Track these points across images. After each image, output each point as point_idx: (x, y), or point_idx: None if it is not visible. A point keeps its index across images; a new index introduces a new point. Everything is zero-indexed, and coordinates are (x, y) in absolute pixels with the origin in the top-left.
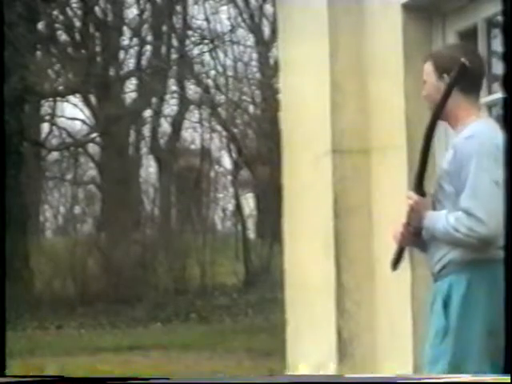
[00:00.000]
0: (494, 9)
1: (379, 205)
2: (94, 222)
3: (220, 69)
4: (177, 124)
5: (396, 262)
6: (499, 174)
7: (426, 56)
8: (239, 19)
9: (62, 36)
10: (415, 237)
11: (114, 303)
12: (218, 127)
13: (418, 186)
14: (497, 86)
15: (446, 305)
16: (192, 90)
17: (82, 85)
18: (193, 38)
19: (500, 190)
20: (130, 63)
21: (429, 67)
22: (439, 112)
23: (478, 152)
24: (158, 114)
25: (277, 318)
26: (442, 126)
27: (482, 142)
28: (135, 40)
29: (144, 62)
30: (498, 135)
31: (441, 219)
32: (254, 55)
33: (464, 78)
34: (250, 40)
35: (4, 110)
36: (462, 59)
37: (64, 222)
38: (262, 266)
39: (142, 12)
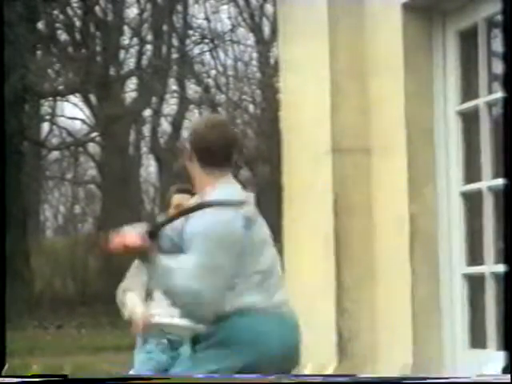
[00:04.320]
0: (494, 8)
1: (379, 204)
2: (94, 222)
3: (220, 68)
4: (177, 123)
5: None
6: (220, 255)
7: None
8: (239, 19)
9: (62, 35)
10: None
11: (114, 303)
12: None
13: (155, 233)
14: (497, 85)
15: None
16: (192, 89)
17: (82, 84)
18: (193, 38)
19: (219, 272)
20: (130, 63)
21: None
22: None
23: (201, 232)
24: (157, 113)
25: None
26: (443, 126)
27: (206, 222)
28: (135, 39)
29: (144, 61)
30: (224, 213)
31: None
32: (255, 55)
33: (201, 152)
34: (251, 39)
35: (4, 109)
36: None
37: (64, 221)
38: None
39: (142, 11)
